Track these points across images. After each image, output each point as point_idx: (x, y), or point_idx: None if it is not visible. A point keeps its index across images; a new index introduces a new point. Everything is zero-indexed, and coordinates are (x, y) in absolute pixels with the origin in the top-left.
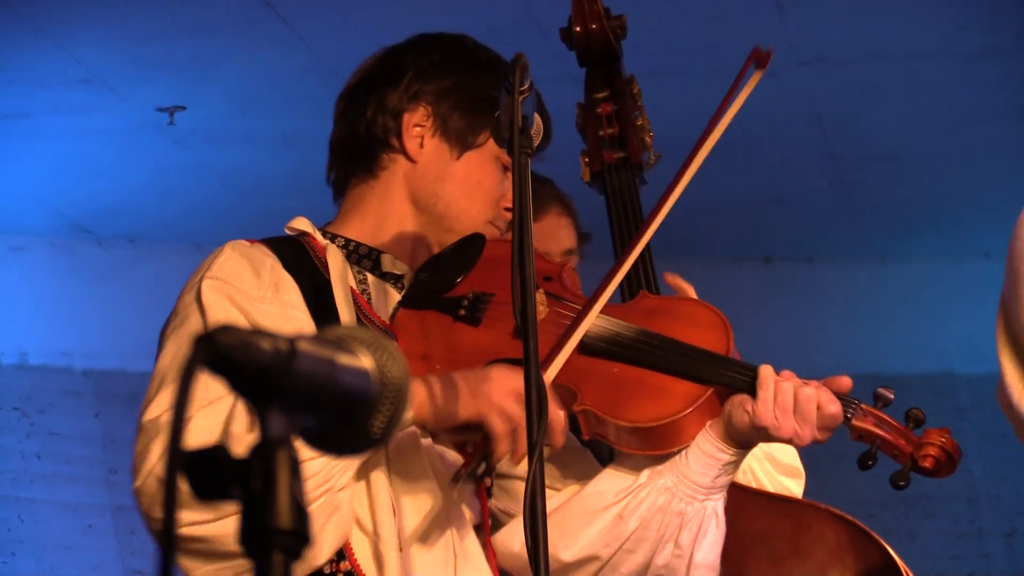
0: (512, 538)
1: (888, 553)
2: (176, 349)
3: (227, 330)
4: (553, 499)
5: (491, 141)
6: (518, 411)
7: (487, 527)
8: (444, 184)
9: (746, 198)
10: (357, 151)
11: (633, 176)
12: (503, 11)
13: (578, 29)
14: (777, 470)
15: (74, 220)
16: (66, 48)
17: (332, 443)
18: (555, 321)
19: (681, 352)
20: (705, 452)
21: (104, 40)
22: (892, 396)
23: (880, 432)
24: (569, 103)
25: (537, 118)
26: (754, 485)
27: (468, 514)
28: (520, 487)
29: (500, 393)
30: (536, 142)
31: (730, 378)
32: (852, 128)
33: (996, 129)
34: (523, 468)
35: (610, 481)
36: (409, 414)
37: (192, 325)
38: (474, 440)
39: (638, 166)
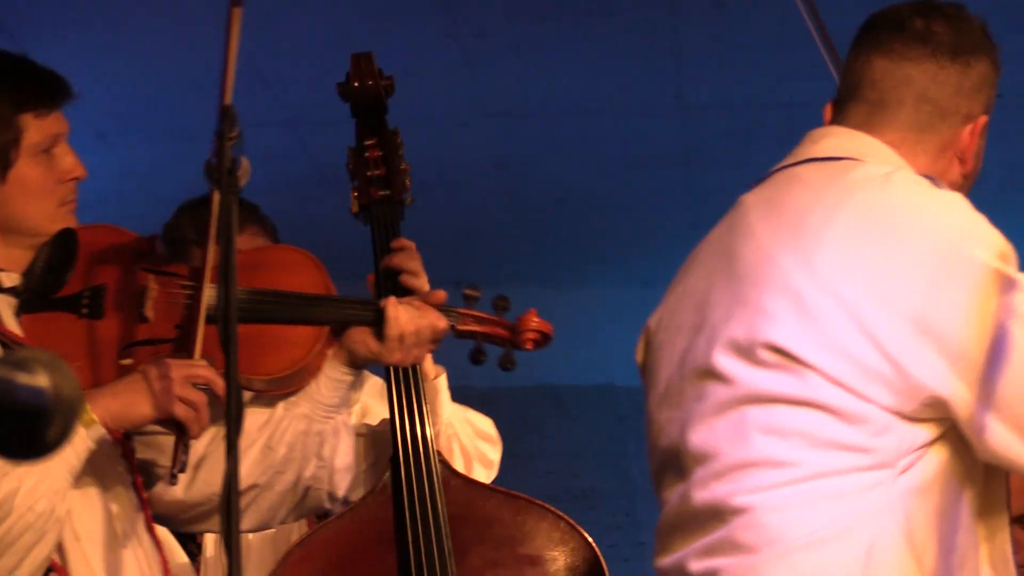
0: (172, 487)
1: (592, 548)
2: None
3: None
4: (201, 444)
5: (23, 137)
6: (195, 394)
7: (139, 483)
8: (5, 207)
9: (440, 232)
10: None
11: (395, 211)
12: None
13: (355, 84)
14: (476, 434)
15: None
16: None
17: (11, 451)
18: (170, 295)
19: (291, 302)
20: (333, 378)
21: None
22: (479, 293)
23: (481, 328)
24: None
25: (244, 160)
26: (456, 445)
27: (125, 477)
28: (161, 440)
29: (176, 384)
30: (243, 182)
31: (349, 316)
32: (534, 172)
33: (657, 176)
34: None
35: (252, 419)
36: (89, 423)
37: None
38: (170, 431)
39: (400, 202)
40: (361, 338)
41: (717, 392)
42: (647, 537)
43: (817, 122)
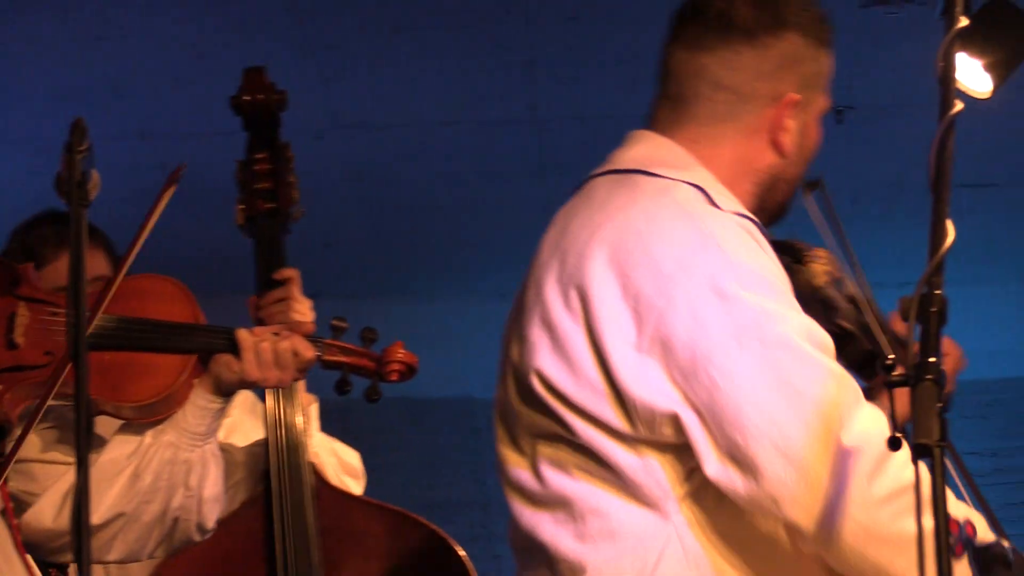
0: (41, 515)
1: (463, 561)
2: None
3: None
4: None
5: None
6: None
7: (10, 510)
8: None
9: (296, 244)
10: None
11: (281, 224)
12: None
13: (247, 98)
14: (342, 467)
15: None
16: None
17: None
18: (41, 322)
19: (159, 330)
20: (200, 406)
21: None
22: (347, 324)
23: (347, 359)
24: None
25: (94, 173)
26: (323, 473)
27: None
28: (37, 468)
29: None
30: (93, 195)
31: (210, 343)
32: (389, 184)
33: (512, 188)
34: (37, 452)
35: (120, 447)
36: None
37: None
38: None
39: (287, 215)
40: (226, 363)
41: (517, 422)
42: (503, 550)
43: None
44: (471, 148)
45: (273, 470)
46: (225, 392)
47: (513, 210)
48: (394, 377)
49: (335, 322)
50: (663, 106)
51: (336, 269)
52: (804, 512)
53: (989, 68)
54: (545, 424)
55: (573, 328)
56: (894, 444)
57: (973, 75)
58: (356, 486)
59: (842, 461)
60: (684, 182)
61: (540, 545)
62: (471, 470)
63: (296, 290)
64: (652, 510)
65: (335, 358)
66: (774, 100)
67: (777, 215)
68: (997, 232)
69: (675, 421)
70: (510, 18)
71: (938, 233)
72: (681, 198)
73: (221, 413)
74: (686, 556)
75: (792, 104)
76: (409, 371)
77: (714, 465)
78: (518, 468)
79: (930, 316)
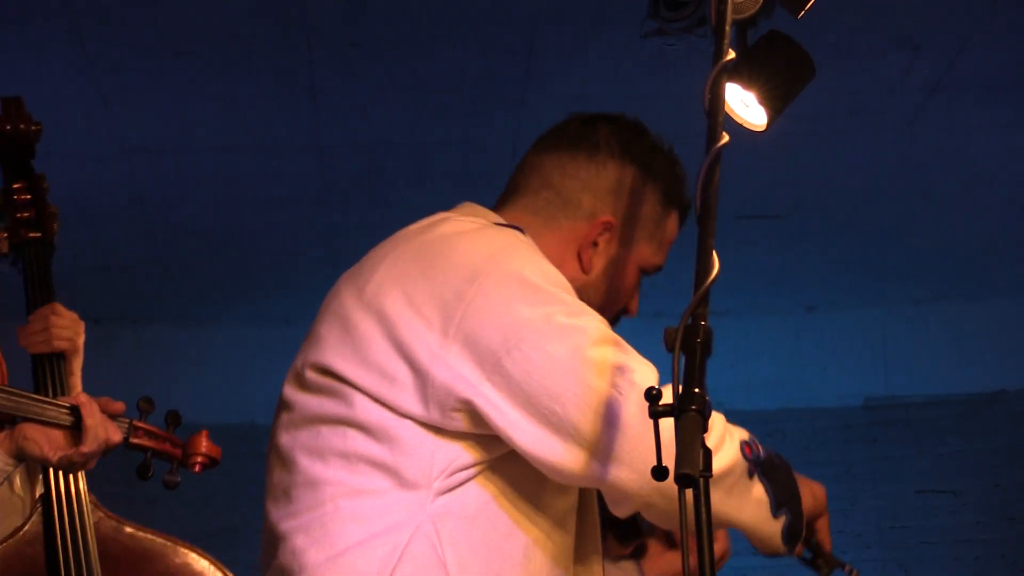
0: None
1: None
2: None
3: None
4: None
5: None
6: None
7: None
8: None
9: (79, 269)
10: None
11: (47, 252)
12: None
13: (7, 128)
14: None
15: None
16: None
17: None
18: None
19: (10, 397)
20: None
21: None
22: (153, 405)
23: (152, 443)
24: None
25: None
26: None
27: None
28: None
29: None
30: None
31: (47, 416)
32: (172, 209)
33: (294, 214)
34: None
35: None
36: None
37: None
38: None
39: (51, 244)
40: (43, 437)
41: (282, 420)
42: None
43: (451, 163)
44: (253, 174)
45: (52, 497)
46: (23, 459)
47: (294, 237)
48: (197, 468)
49: (142, 403)
50: (504, 192)
51: (119, 294)
52: (627, 468)
53: (764, 101)
54: (322, 407)
55: (365, 318)
56: (659, 474)
57: (749, 108)
58: None
59: (640, 411)
60: (495, 224)
61: (282, 536)
62: (256, 497)
63: (53, 316)
64: (410, 492)
65: (141, 441)
66: (591, 216)
67: None
68: (780, 261)
69: (470, 407)
70: (292, 43)
71: (704, 264)
72: (475, 221)
73: (9, 470)
74: (435, 546)
75: (605, 226)
76: (212, 463)
77: (528, 436)
78: (275, 471)
79: (696, 347)
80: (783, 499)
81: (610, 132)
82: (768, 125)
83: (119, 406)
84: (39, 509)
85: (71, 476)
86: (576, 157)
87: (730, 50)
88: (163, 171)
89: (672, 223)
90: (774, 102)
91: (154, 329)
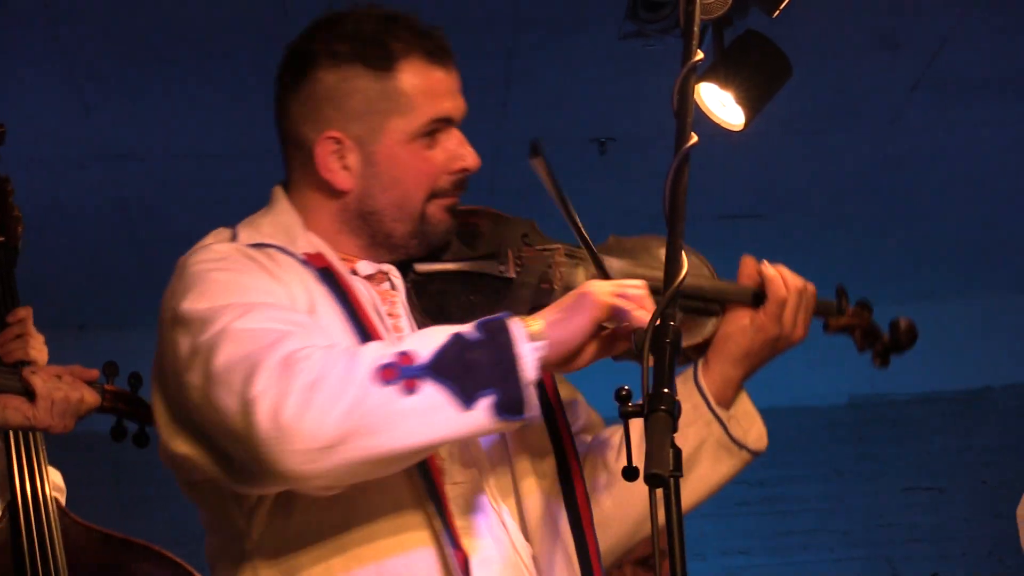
0: None
1: None
2: None
3: None
4: None
5: None
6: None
7: None
8: None
9: (60, 275)
10: None
11: (10, 256)
12: None
13: None
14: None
15: None
16: None
17: None
18: None
19: None
20: None
21: None
22: (118, 370)
23: (122, 405)
24: None
25: None
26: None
27: None
28: None
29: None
30: None
31: (3, 385)
32: (153, 215)
33: None
34: None
35: None
36: None
37: None
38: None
39: (15, 249)
40: (15, 406)
41: None
42: None
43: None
44: (235, 180)
45: (19, 504)
46: (2, 431)
47: None
48: None
49: (107, 368)
50: None
51: (99, 301)
52: (301, 456)
53: (741, 100)
54: None
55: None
56: (629, 475)
57: (727, 108)
58: (62, 499)
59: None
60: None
61: None
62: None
63: (31, 326)
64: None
65: (113, 404)
66: (313, 143)
67: (420, 239)
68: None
69: (186, 459)
70: (272, 50)
71: (673, 266)
72: (203, 243)
73: None
74: None
75: (331, 141)
76: None
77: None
78: None
79: (665, 347)
80: (480, 381)
81: (286, 58)
82: (746, 124)
83: (93, 372)
84: (6, 517)
85: (38, 482)
86: (284, 98)
87: (699, 51)
88: (145, 177)
89: (408, 75)
90: (751, 102)
91: (139, 334)
